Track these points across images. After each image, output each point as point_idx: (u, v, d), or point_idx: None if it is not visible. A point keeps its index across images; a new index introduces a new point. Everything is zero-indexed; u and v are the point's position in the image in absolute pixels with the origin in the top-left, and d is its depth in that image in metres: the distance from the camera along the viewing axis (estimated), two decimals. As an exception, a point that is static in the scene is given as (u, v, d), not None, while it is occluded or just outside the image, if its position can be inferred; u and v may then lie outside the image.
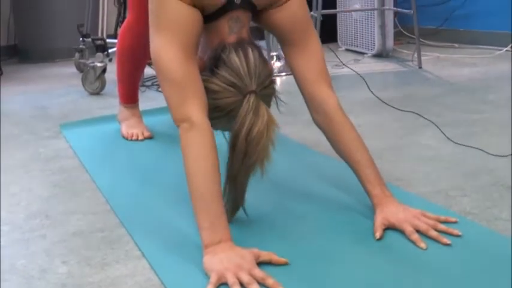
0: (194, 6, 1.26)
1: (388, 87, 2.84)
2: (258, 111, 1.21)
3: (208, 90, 1.25)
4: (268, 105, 1.30)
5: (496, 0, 3.63)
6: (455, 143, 1.80)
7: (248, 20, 1.33)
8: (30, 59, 4.17)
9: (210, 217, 1.15)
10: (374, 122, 2.14)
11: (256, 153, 1.20)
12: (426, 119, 2.00)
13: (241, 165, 1.22)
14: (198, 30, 1.27)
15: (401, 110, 2.12)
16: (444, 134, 1.86)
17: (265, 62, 1.28)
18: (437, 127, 1.90)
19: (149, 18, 1.29)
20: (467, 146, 1.76)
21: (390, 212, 1.26)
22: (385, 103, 2.14)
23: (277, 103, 1.33)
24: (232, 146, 1.21)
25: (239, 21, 1.30)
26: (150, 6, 1.29)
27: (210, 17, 1.29)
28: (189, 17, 1.25)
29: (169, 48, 1.23)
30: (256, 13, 1.34)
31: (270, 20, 1.35)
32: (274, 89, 1.31)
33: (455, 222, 1.26)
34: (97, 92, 2.94)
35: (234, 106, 1.23)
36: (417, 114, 2.06)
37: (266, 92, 1.27)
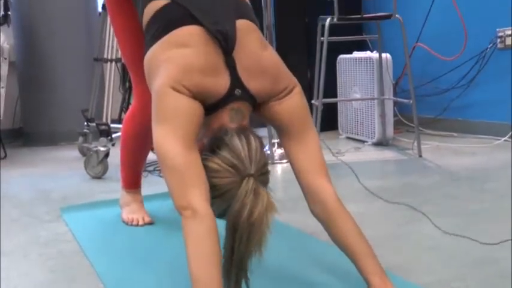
0: (195, 98, 1.30)
1: (389, 175, 2.86)
2: (258, 194, 1.22)
3: (207, 169, 1.27)
4: None
5: (493, 92, 3.71)
6: (448, 233, 1.79)
7: (248, 111, 1.38)
8: (34, 142, 4.23)
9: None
10: (374, 210, 2.14)
11: (257, 235, 1.21)
12: (420, 211, 1.99)
13: (246, 246, 1.22)
14: (198, 121, 1.31)
15: (389, 202, 2.12)
16: (435, 225, 1.85)
17: (264, 151, 1.32)
18: (429, 219, 1.89)
19: (152, 109, 1.33)
20: (463, 237, 1.75)
21: (392, 302, 1.25)
22: (375, 195, 2.15)
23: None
24: (233, 228, 1.22)
25: (240, 112, 1.35)
26: (152, 98, 1.34)
27: (211, 108, 1.33)
28: (190, 108, 1.30)
29: (171, 139, 1.26)
30: (256, 105, 1.39)
31: (269, 112, 1.40)
32: (268, 178, 1.34)
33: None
34: (99, 176, 2.96)
35: (230, 187, 1.25)
36: (408, 205, 2.05)
37: (262, 178, 1.29)
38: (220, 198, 1.28)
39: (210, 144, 1.31)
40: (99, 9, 3.88)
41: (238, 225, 1.21)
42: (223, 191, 1.27)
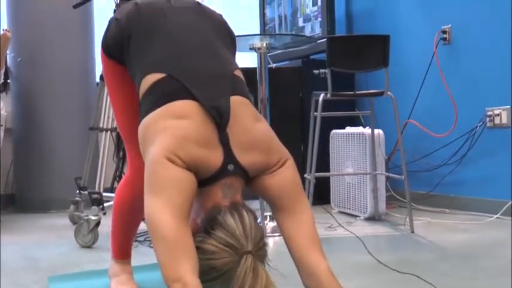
0: (189, 169, 1.31)
1: (381, 251, 2.84)
2: (257, 272, 1.22)
3: (204, 251, 1.26)
4: None
5: (484, 169, 3.74)
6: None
7: (241, 186, 1.38)
8: (26, 208, 4.21)
9: None
10: (368, 286, 2.11)
11: None
12: (427, 282, 1.97)
13: None
14: (191, 193, 1.31)
15: (401, 272, 2.10)
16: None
17: (258, 225, 1.32)
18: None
19: (144, 179, 1.33)
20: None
21: None
22: (386, 266, 2.12)
23: (265, 265, 1.34)
24: None
25: (232, 187, 1.35)
26: (146, 166, 1.35)
27: (203, 182, 1.34)
28: (183, 180, 1.30)
29: (162, 210, 1.26)
30: (249, 179, 1.40)
31: (262, 185, 1.41)
32: (266, 251, 1.33)
33: None
34: (89, 246, 2.92)
35: (230, 266, 1.24)
36: (417, 276, 2.03)
37: (260, 253, 1.29)
38: (221, 279, 1.26)
39: (204, 225, 1.31)
40: (97, 79, 3.95)
41: None
42: (223, 271, 1.26)
